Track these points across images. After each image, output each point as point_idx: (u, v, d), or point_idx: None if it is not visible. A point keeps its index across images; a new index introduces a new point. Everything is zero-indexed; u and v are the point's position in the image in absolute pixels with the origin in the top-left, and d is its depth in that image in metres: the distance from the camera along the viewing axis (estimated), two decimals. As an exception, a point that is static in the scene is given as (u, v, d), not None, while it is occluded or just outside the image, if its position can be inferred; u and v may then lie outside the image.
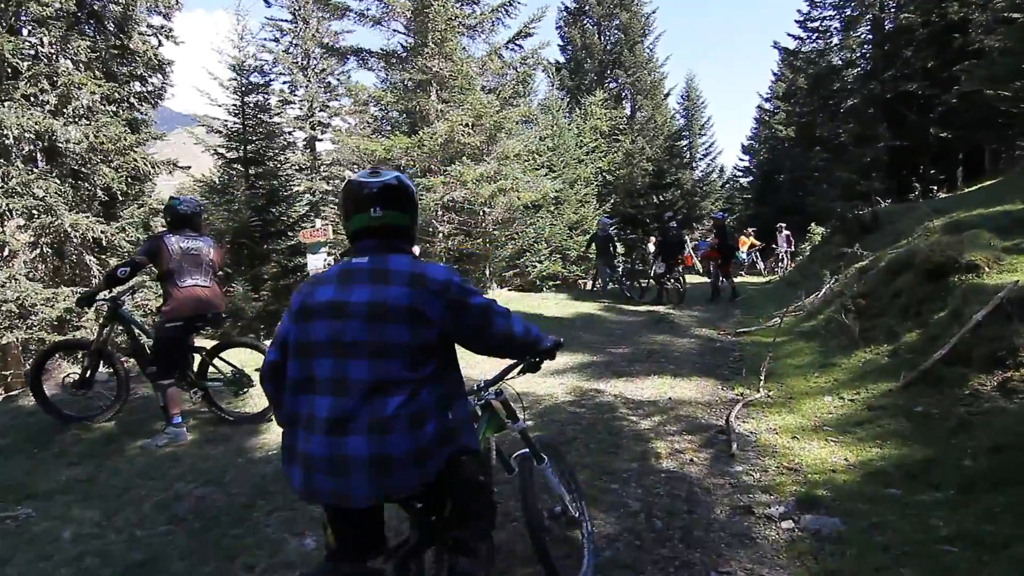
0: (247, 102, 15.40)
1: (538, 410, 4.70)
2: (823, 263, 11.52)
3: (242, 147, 15.40)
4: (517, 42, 12.24)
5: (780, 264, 18.19)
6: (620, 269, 12.61)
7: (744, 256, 17.99)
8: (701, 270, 19.94)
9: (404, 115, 12.91)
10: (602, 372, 5.74)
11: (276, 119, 15.72)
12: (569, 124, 24.86)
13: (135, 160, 10.39)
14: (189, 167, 14.71)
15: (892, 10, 20.32)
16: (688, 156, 34.48)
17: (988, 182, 15.03)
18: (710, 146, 35.66)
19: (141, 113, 12.60)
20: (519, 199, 11.18)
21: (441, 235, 11.80)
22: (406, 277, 1.53)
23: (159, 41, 12.32)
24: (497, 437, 2.28)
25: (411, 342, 1.48)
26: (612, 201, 23.89)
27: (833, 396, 4.63)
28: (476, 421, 2.06)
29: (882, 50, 20.93)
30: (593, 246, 13.07)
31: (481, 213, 12.16)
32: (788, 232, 18.85)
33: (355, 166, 11.17)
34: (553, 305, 10.29)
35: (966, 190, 14.91)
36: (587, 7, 28.88)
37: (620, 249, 23.14)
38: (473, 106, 10.22)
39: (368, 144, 10.22)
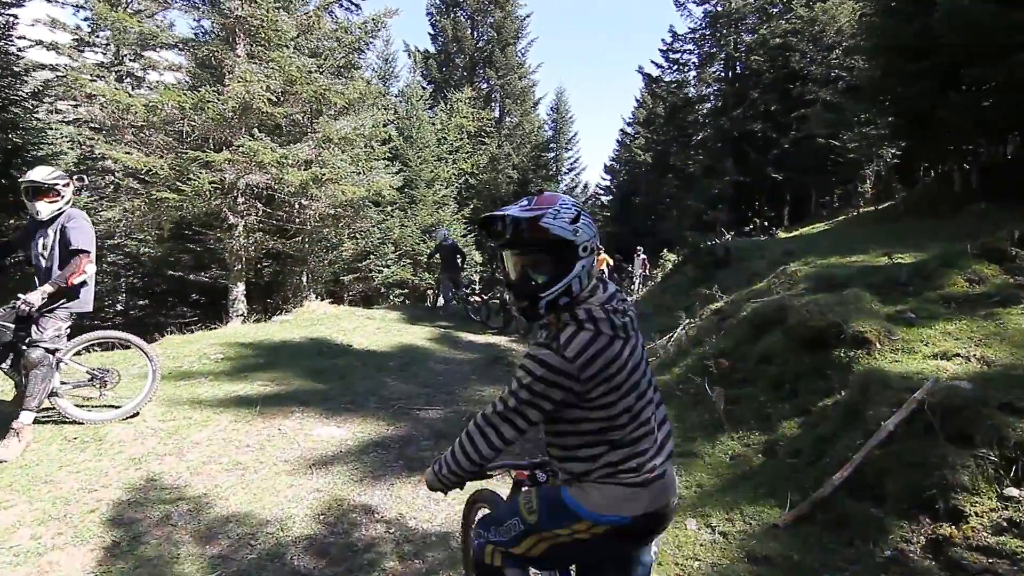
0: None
1: (244, 562, 2.70)
2: (675, 295, 10.90)
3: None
4: (354, 1, 10.04)
5: (632, 287, 18.19)
6: (467, 285, 10.93)
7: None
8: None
9: (207, 70, 10.00)
10: (388, 464, 3.87)
11: (23, 51, 11.57)
12: (432, 119, 22.92)
13: None
14: None
15: (743, 52, 21.42)
16: (554, 168, 34.33)
17: (819, 224, 16.03)
18: (575, 161, 36.03)
19: None
20: (343, 193, 8.95)
21: (239, 229, 9.13)
22: None
23: None
24: None
25: None
26: (473, 206, 22.37)
27: (699, 522, 3.24)
28: None
29: (733, 87, 22.04)
30: (437, 257, 11.25)
31: (297, 206, 9.70)
32: (644, 256, 19.00)
33: (116, 128, 8.06)
34: (374, 330, 8.26)
35: (801, 231, 15.70)
36: (461, -2, 27.25)
37: (476, 259, 21.73)
38: (281, 67, 7.82)
39: (119, 97, 7.30)
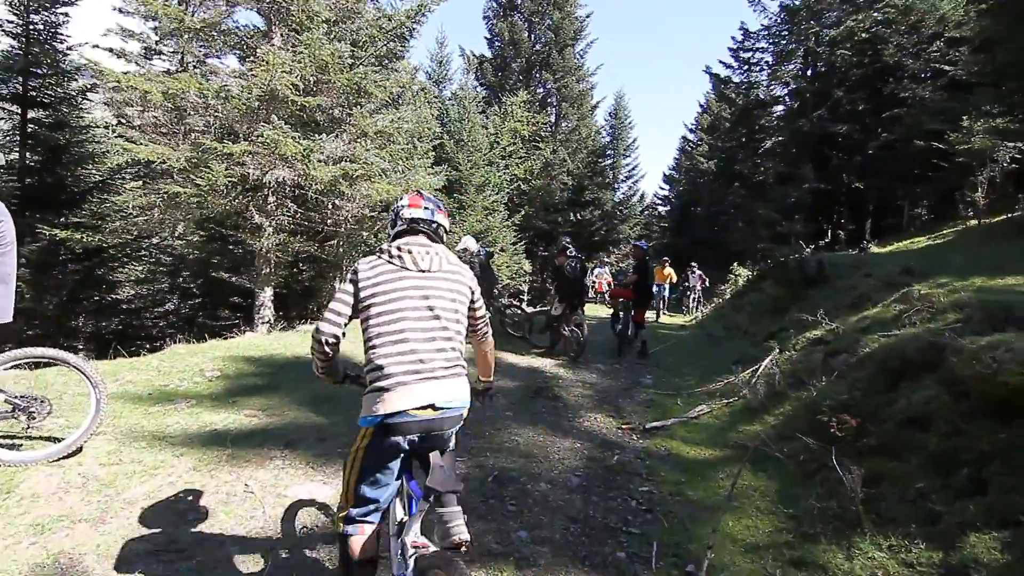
0: (32, 20, 11.17)
1: None
2: (753, 316, 9.36)
3: (18, 81, 11.12)
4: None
5: (693, 305, 16.74)
6: (503, 296, 9.85)
7: (666, 291, 15.95)
8: (608, 304, 17.74)
9: (239, 55, 9.46)
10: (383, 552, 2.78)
11: (73, 50, 11.49)
12: (486, 123, 22.11)
13: None
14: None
15: (825, 48, 19.37)
16: (611, 176, 32.85)
17: (919, 239, 13.92)
18: (633, 168, 34.27)
19: None
20: (377, 192, 8.06)
21: (267, 230, 8.41)
22: None
23: None
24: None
25: None
26: (524, 212, 21.30)
27: None
28: None
29: (813, 86, 19.99)
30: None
31: (330, 207, 8.92)
32: (700, 272, 17.58)
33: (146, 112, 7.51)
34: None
35: (896, 245, 13.66)
36: (519, 1, 26.43)
37: (527, 268, 20.61)
38: (313, 52, 7.02)
39: (135, 82, 6.68)
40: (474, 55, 26.66)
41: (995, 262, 6.69)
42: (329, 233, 9.60)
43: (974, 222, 13.40)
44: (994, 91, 13.45)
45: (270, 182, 7.52)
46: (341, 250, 9.89)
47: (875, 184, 17.98)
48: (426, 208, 2.08)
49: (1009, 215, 12.81)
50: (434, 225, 2.08)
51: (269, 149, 6.90)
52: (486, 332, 2.29)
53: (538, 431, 4.71)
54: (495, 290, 8.42)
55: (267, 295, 8.93)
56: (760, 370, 6.09)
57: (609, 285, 18.11)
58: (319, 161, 7.42)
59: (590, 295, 19.17)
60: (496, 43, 27.54)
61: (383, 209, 9.24)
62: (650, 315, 12.39)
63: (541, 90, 27.47)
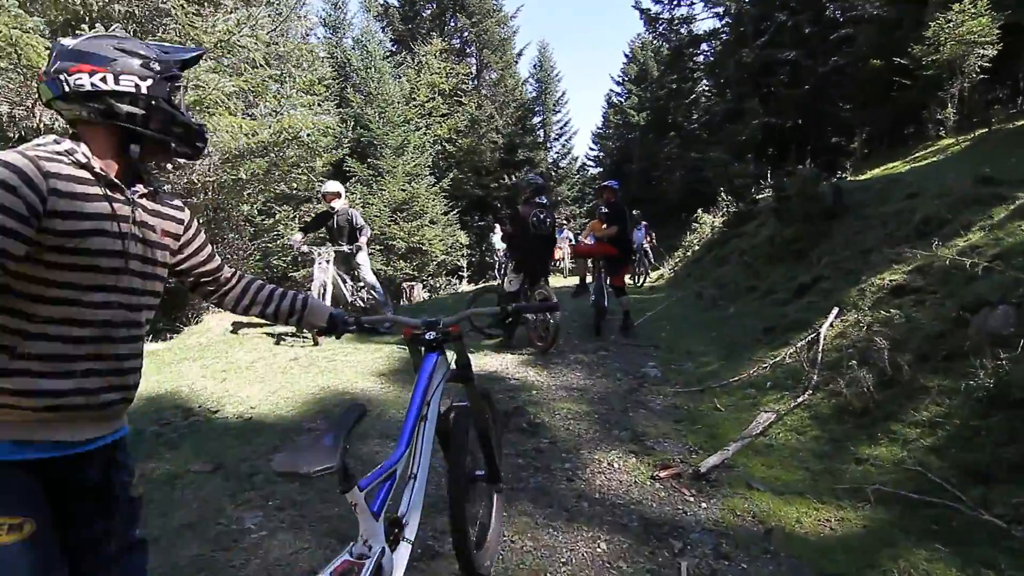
0: None
1: None
2: (750, 266, 7.48)
3: None
4: None
5: (641, 265, 13.05)
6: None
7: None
8: (571, 269, 15.29)
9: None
10: None
11: None
12: (399, 75, 19.13)
13: None
14: None
15: (765, -33, 17.73)
16: (542, 135, 30.61)
17: (895, 164, 12.60)
18: (564, 125, 32.11)
19: None
20: (230, 131, 5.38)
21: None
22: None
23: None
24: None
25: None
26: (453, 177, 18.71)
27: None
28: None
29: (752, 10, 18.37)
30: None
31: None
32: (646, 223, 14.58)
33: None
34: (288, 364, 4.79)
35: (872, 173, 12.26)
36: (422, -63, 23.21)
37: (462, 240, 18.14)
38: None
39: None
40: (377, 1, 23.28)
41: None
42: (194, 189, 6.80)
43: (948, 140, 12.25)
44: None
45: (36, 125, 4.66)
46: (206, 218, 7.10)
47: (829, 112, 16.74)
48: None
49: (988, 129, 11.64)
50: None
51: (12, 63, 4.07)
52: None
53: (524, 521, 2.46)
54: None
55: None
56: (821, 341, 4.12)
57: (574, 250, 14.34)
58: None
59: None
60: (402, -13, 24.26)
61: (258, 155, 6.55)
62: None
63: (458, 42, 24.59)
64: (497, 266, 14.33)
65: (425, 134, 18.07)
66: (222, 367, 4.55)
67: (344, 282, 6.01)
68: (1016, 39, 11.82)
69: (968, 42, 11.27)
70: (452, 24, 24.19)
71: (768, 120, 17.42)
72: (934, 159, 10.44)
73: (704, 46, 23.37)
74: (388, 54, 20.47)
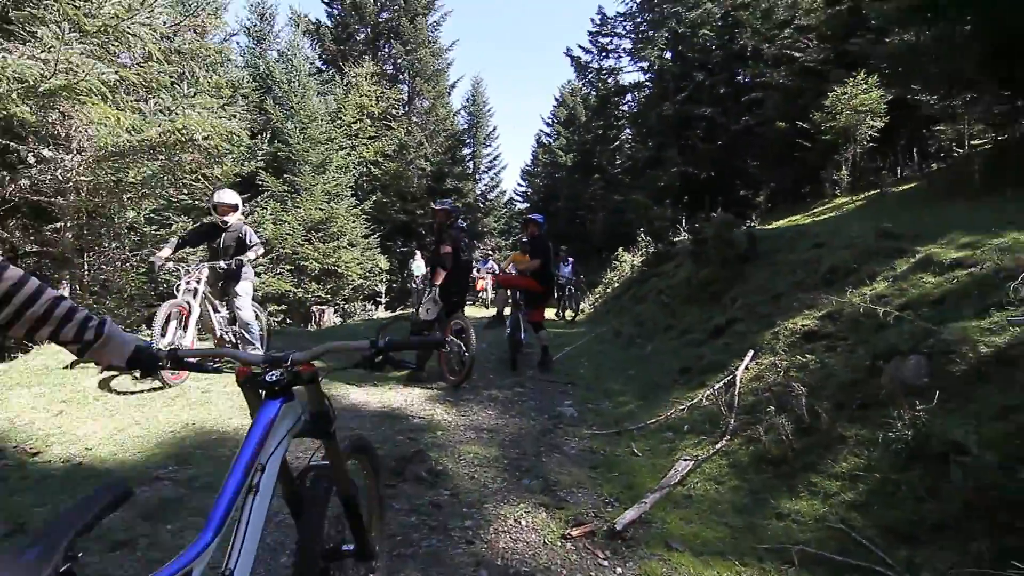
0: None
1: None
2: (667, 306, 7.53)
3: None
4: None
5: (571, 300, 12.65)
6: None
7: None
8: (491, 301, 14.84)
9: None
10: None
11: None
12: (326, 92, 18.48)
13: None
14: None
15: (687, 28, 19.00)
16: (472, 166, 30.68)
17: (796, 217, 13.53)
18: (494, 159, 32.45)
19: None
20: (118, 122, 4.65)
21: None
22: None
23: None
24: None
25: None
26: (376, 200, 18.08)
27: None
28: None
29: (675, 67, 19.56)
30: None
31: (31, 157, 5.29)
32: (572, 259, 14.79)
33: None
34: (151, 394, 4.06)
35: (778, 224, 13.08)
36: (359, -40, 22.97)
37: (382, 265, 17.39)
38: None
39: None
40: (307, 19, 22.63)
41: (968, 221, 5.42)
42: (49, 206, 5.86)
43: (842, 199, 13.38)
44: (845, 73, 13.58)
45: None
46: (70, 236, 6.16)
47: (739, 167, 17.92)
48: None
49: (868, 194, 12.81)
50: None
51: None
52: None
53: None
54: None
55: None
56: (737, 384, 4.03)
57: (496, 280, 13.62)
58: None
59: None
60: (336, 8, 23.81)
61: (147, 156, 5.79)
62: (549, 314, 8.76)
63: (391, 68, 24.32)
64: (414, 294, 13.78)
65: (350, 154, 17.44)
66: (63, 397, 3.75)
67: (215, 311, 4.82)
68: (900, 114, 13.24)
69: (861, 112, 12.46)
70: (386, 50, 23.95)
71: (686, 169, 18.38)
72: (831, 215, 11.29)
73: (629, 96, 24.57)
74: (315, 71, 19.80)
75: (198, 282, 4.54)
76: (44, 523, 0.92)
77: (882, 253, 4.81)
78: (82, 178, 5.82)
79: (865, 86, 12.51)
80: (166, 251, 4.61)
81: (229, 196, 4.92)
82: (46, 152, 5.42)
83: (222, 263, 4.64)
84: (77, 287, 6.40)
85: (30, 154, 5.38)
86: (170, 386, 4.16)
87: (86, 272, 6.61)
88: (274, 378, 1.26)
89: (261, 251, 4.94)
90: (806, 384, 3.33)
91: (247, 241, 4.81)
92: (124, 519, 2.29)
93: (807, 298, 4.49)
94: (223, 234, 4.84)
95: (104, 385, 4.12)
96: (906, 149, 14.21)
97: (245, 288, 4.89)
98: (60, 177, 5.63)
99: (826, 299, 4.01)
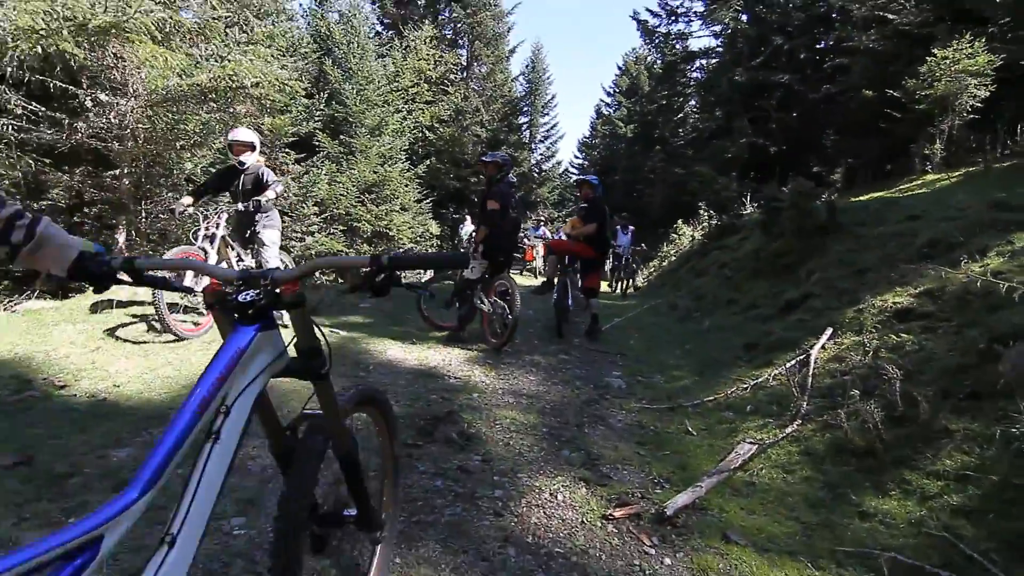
0: None
1: None
2: (729, 279, 6.97)
3: None
4: None
5: (624, 271, 11.91)
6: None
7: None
8: (542, 270, 14.60)
9: None
10: None
11: None
12: (384, 55, 18.34)
13: None
14: None
15: (765, -11, 17.53)
16: (528, 136, 30.07)
17: (877, 192, 12.35)
18: (551, 128, 31.61)
19: None
20: (167, 63, 4.59)
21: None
22: None
23: None
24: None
25: None
26: (429, 165, 17.94)
27: None
28: None
29: (751, 31, 18.16)
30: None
31: (90, 101, 5.36)
32: (633, 227, 13.21)
33: None
34: (204, 343, 4.02)
35: (856, 199, 11.99)
36: (424, -79, 22.48)
37: (433, 231, 17.35)
38: None
39: None
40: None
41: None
42: (110, 152, 5.95)
43: (933, 176, 12.07)
44: (949, 34, 12.09)
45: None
46: (127, 182, 6.25)
47: (814, 139, 16.57)
48: None
49: (966, 170, 11.48)
50: None
51: None
52: None
53: (424, 575, 1.78)
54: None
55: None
56: (812, 364, 3.56)
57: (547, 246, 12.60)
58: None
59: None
60: (397, -31, 23.44)
61: (199, 103, 5.75)
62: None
63: (450, 32, 23.86)
64: (462, 256, 13.64)
65: (405, 118, 17.30)
66: (102, 335, 3.75)
67: (239, 259, 4.60)
68: (1008, 83, 11.72)
69: (966, 76, 11.08)
70: (446, 13, 23.49)
71: (755, 140, 17.17)
72: (921, 192, 10.19)
73: (697, 64, 23.16)
74: (375, 34, 19.67)
75: (216, 227, 4.40)
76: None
77: (996, 226, 4.15)
78: (139, 125, 5.86)
79: (970, 49, 11.09)
80: (187, 199, 4.49)
81: (244, 134, 4.65)
82: (103, 96, 5.46)
83: (239, 205, 4.47)
84: (134, 233, 6.54)
85: (88, 98, 5.42)
86: (184, 338, 3.92)
87: (144, 219, 6.73)
88: (248, 298, 0.99)
89: (280, 189, 4.66)
90: (901, 367, 2.85)
91: (265, 180, 4.57)
92: (136, 457, 2.17)
93: (901, 273, 3.91)
94: (241, 176, 4.63)
95: (151, 326, 4.11)
96: (1011, 123, 12.62)
97: (271, 237, 4.69)
98: (116, 122, 5.68)
99: (932, 271, 3.44)
